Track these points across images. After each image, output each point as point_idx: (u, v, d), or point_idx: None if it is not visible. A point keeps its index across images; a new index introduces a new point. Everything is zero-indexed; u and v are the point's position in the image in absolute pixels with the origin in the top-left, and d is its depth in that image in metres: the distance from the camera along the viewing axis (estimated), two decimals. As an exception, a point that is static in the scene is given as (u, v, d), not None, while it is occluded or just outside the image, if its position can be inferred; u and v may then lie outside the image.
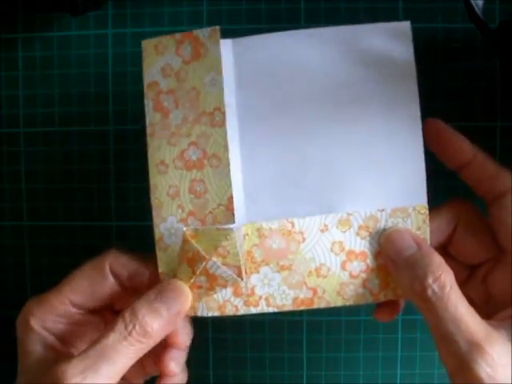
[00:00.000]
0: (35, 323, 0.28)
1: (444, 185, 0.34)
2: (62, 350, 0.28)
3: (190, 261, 0.27)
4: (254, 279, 0.28)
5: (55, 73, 0.35)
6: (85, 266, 0.29)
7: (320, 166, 0.28)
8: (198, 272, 0.27)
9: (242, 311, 0.28)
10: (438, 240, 0.28)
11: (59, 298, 0.28)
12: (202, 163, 0.27)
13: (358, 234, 0.28)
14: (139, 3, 0.35)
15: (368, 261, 0.28)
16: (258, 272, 0.28)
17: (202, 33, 0.27)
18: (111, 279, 0.28)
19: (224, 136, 0.27)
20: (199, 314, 0.28)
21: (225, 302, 0.28)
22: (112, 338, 0.25)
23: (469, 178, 0.28)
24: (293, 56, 0.28)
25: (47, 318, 0.28)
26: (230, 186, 0.27)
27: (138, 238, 0.35)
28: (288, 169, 0.28)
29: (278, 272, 0.28)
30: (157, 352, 0.28)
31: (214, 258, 0.27)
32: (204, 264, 0.27)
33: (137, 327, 0.25)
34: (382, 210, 0.28)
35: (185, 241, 0.27)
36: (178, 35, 0.28)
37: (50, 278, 0.36)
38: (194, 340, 0.35)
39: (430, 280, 0.24)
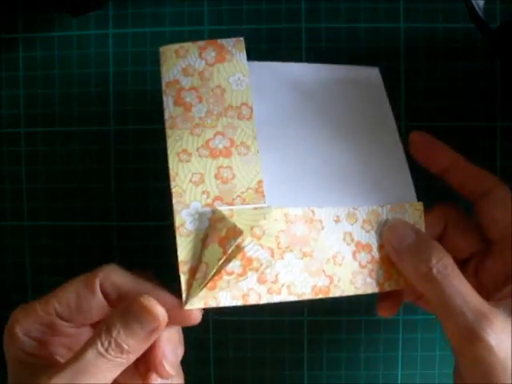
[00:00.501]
0: (19, 330, 0.27)
1: (443, 185, 0.34)
2: (48, 357, 0.28)
3: (223, 239, 0.27)
4: (279, 265, 0.28)
5: (56, 73, 0.35)
6: (76, 279, 0.28)
7: (324, 168, 0.31)
8: (229, 251, 0.27)
9: (265, 299, 0.27)
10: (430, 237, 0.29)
11: (45, 307, 0.27)
12: (229, 151, 0.29)
13: (362, 228, 0.29)
14: (140, 3, 0.35)
15: (373, 253, 0.29)
16: (282, 258, 0.28)
17: (227, 42, 0.30)
18: (100, 297, 0.27)
19: (252, 127, 0.29)
20: (221, 304, 0.27)
21: (249, 291, 0.27)
22: (90, 354, 0.25)
23: (454, 181, 0.30)
24: (297, 83, 0.32)
25: (32, 327, 0.27)
26: (258, 171, 0.29)
27: (138, 238, 0.35)
28: (296, 172, 0.30)
29: (301, 258, 0.28)
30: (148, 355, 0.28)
31: (249, 238, 0.27)
32: (238, 240, 0.27)
33: (112, 345, 0.25)
34: (383, 206, 0.30)
35: (218, 219, 0.28)
36: (200, 42, 0.30)
37: (50, 278, 0.36)
38: (194, 340, 0.35)
39: (434, 261, 0.26)
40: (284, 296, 0.28)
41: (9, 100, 0.35)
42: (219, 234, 0.27)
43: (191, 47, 0.30)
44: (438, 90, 0.34)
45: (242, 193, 0.28)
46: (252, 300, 0.27)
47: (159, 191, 0.35)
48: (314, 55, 0.34)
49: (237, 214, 0.27)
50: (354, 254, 0.29)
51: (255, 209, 0.28)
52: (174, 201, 0.28)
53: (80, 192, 0.36)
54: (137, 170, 0.35)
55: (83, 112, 0.35)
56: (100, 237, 0.35)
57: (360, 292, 0.29)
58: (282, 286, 0.28)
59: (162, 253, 0.35)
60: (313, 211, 0.29)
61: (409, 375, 0.36)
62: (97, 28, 0.35)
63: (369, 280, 0.29)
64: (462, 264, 0.30)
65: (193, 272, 0.27)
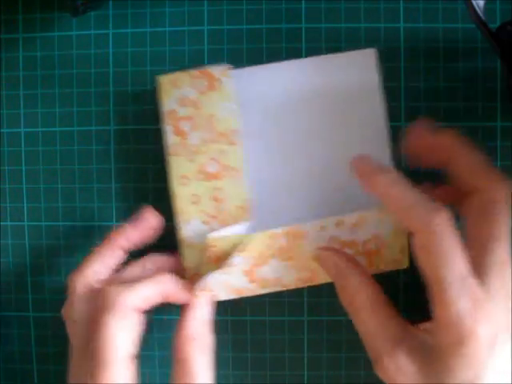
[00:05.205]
0: None
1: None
2: None
3: (216, 260, 0.32)
4: (264, 269, 0.32)
5: (56, 73, 0.35)
6: None
7: (312, 177, 0.33)
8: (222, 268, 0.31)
9: (257, 292, 0.32)
10: None
11: None
12: (220, 174, 0.32)
13: (350, 230, 0.31)
14: (140, 3, 0.35)
15: (358, 247, 0.31)
16: (267, 264, 0.32)
17: (216, 70, 0.32)
18: None
19: (240, 152, 0.32)
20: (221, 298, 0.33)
21: (242, 288, 0.32)
22: None
23: (451, 175, 0.29)
24: (285, 85, 0.33)
25: None
26: (246, 191, 0.32)
27: (139, 238, 0.35)
28: (284, 185, 0.33)
29: (285, 261, 0.32)
30: None
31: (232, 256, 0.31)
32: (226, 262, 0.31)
33: None
34: (371, 210, 0.31)
35: (210, 245, 0.31)
36: (192, 72, 0.32)
37: (50, 279, 0.36)
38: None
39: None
40: (274, 287, 0.32)
41: (9, 100, 0.36)
42: (211, 256, 0.32)
43: (185, 77, 0.32)
44: (438, 89, 0.34)
45: (232, 211, 0.32)
46: (247, 293, 0.32)
47: (159, 191, 0.35)
48: (314, 55, 0.34)
49: (223, 239, 0.31)
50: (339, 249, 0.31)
51: (240, 236, 0.31)
52: (178, 218, 0.32)
53: (80, 192, 0.36)
54: (137, 169, 0.35)
55: (83, 112, 0.35)
56: (100, 237, 0.35)
57: None
58: (270, 280, 0.32)
59: (162, 252, 0.35)
60: (297, 227, 0.31)
61: (409, 375, 0.35)
62: (97, 28, 0.35)
63: None
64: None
65: (197, 277, 0.32)
